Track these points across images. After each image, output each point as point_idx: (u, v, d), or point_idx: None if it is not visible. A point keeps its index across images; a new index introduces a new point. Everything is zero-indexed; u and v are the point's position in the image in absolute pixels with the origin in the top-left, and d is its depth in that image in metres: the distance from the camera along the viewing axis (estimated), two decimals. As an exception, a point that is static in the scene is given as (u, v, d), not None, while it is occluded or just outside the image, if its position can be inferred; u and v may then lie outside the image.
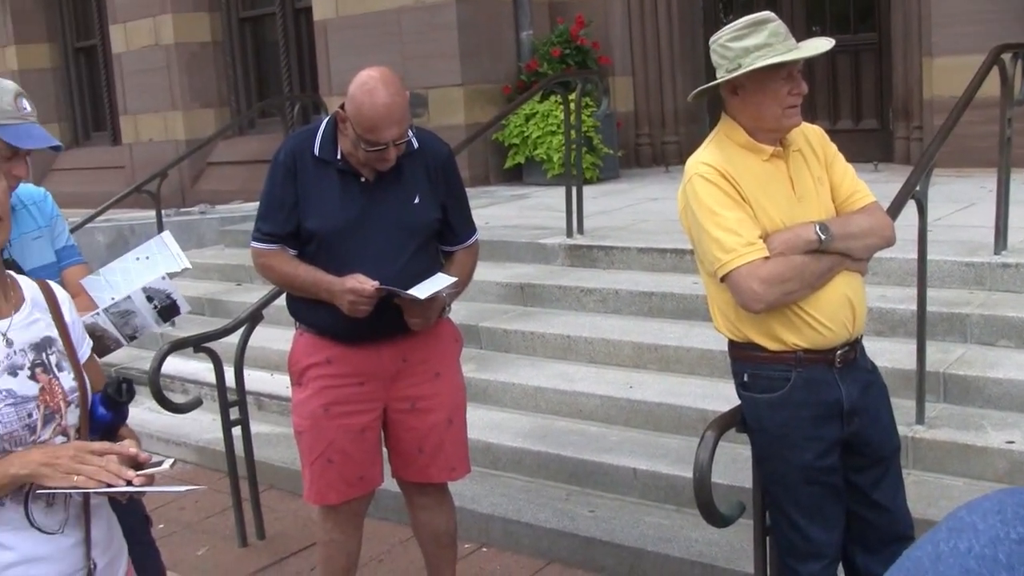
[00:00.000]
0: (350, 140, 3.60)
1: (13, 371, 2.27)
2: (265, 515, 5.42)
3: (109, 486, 2.15)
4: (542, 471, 5.30)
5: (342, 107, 3.64)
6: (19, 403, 2.25)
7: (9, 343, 2.30)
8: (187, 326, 7.84)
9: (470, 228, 3.92)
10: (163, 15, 13.19)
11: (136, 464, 2.21)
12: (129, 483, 2.15)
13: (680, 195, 3.34)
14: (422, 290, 3.58)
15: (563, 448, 5.30)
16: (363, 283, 3.53)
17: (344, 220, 3.63)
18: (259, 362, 6.69)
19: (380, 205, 3.67)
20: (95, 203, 9.92)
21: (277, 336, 6.66)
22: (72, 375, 2.37)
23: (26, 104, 3.20)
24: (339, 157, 3.66)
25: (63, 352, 2.39)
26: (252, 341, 5.36)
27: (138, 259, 3.62)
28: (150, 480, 2.21)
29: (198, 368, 6.83)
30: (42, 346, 2.35)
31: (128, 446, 2.29)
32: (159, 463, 2.28)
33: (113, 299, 3.46)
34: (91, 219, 9.10)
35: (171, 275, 3.55)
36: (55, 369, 2.34)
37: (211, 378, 6.00)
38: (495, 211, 8.40)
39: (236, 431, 5.28)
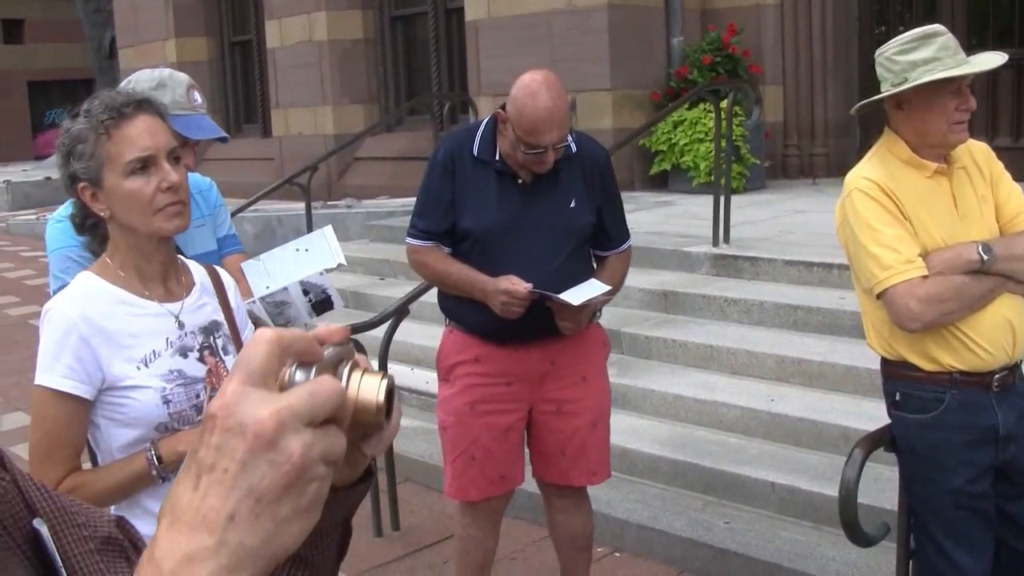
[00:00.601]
0: (509, 141, 3.62)
1: (184, 352, 2.36)
2: (400, 507, 5.49)
3: None
4: (678, 479, 5.27)
5: (503, 107, 3.66)
6: (188, 384, 2.33)
7: (181, 325, 2.38)
8: (331, 318, 8.00)
9: (624, 234, 3.92)
10: (317, 12, 13.45)
11: None
12: None
13: (838, 209, 3.29)
14: (575, 296, 3.58)
15: (701, 458, 5.26)
16: (516, 285, 3.55)
17: (500, 221, 3.66)
18: (400, 356, 6.77)
19: (536, 207, 3.68)
20: (244, 193, 10.17)
21: (419, 331, 6.75)
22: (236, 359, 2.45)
23: (197, 96, 3.30)
24: (497, 158, 3.69)
25: (228, 336, 2.47)
26: (395, 335, 5.43)
27: (297, 250, 3.70)
28: None
29: (340, 360, 6.93)
30: (210, 329, 2.43)
31: None
32: None
33: (269, 288, 3.54)
34: (242, 209, 9.33)
35: (327, 270, 3.62)
36: (221, 352, 2.42)
37: (353, 369, 6.12)
38: (639, 217, 8.35)
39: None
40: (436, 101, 11.67)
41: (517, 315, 3.59)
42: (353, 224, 10.38)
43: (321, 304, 3.60)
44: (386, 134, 13.04)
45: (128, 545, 1.24)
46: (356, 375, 0.88)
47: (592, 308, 3.72)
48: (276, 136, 14.36)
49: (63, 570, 1.13)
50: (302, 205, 10.01)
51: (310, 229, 9.24)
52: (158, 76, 3.33)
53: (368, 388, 0.87)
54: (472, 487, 3.89)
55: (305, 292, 3.55)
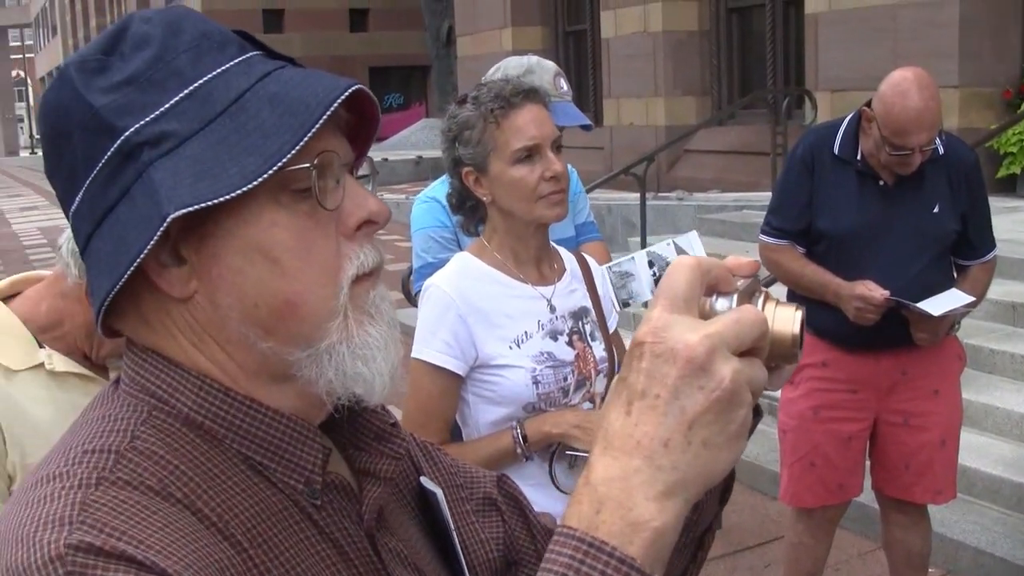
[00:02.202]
0: (873, 141, 3.50)
1: (554, 335, 2.41)
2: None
3: None
4: (1022, 505, 4.98)
5: (868, 105, 3.53)
6: (557, 366, 2.38)
7: (552, 308, 2.44)
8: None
9: (989, 242, 3.73)
10: (653, 3, 13.49)
11: None
12: None
13: None
14: (935, 306, 3.43)
15: (1049, 484, 4.96)
16: (873, 291, 3.44)
17: (858, 223, 3.55)
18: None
19: (898, 211, 3.55)
20: (576, 182, 10.32)
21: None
22: (603, 345, 2.49)
23: (563, 83, 3.36)
24: (859, 158, 3.57)
25: (596, 323, 2.51)
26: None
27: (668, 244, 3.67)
28: None
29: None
30: (579, 315, 2.48)
31: None
32: None
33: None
34: (576, 197, 9.47)
35: None
36: (589, 338, 2.46)
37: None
38: (984, 221, 7.93)
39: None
40: (771, 95, 11.46)
41: (871, 322, 3.47)
42: (683, 217, 10.36)
43: None
44: (717, 127, 12.94)
45: (504, 502, 1.31)
46: (770, 306, 0.88)
47: (951, 320, 3.55)
48: (607, 126, 14.50)
49: (454, 533, 1.19)
50: (630, 195, 10.08)
51: (644, 221, 9.30)
52: (527, 63, 3.41)
53: (783, 319, 0.87)
54: (808, 494, 3.81)
55: (650, 264, 3.53)
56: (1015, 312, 6.36)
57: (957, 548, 4.77)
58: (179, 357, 1.01)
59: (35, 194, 34.46)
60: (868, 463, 3.88)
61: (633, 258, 3.52)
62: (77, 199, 0.99)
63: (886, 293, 3.42)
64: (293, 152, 0.92)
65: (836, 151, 3.60)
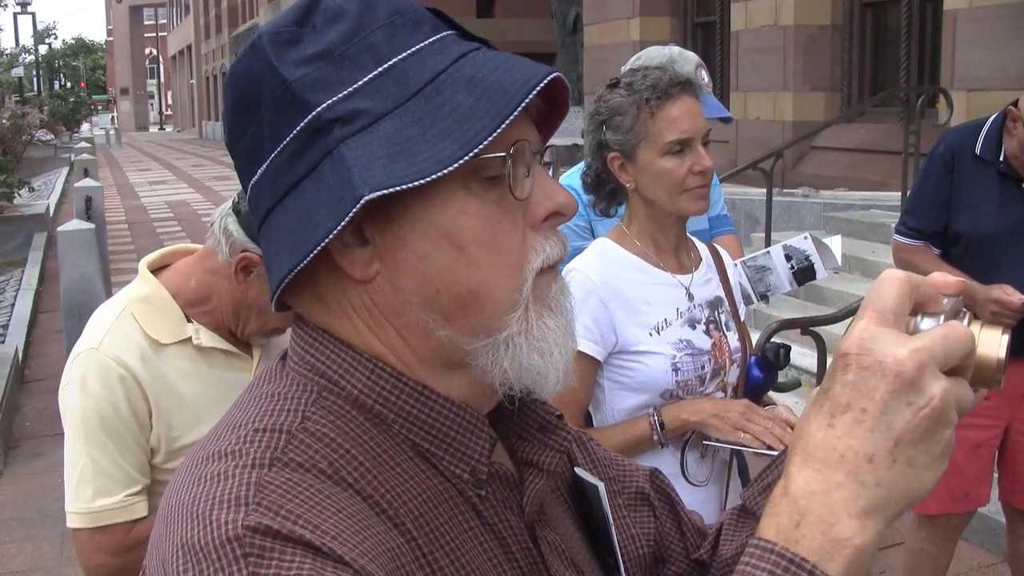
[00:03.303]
0: (1018, 141, 3.41)
1: (692, 324, 2.41)
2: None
3: (770, 448, 2.22)
4: None
5: (1015, 104, 3.45)
6: (696, 354, 2.38)
7: (691, 297, 2.44)
8: (781, 307, 7.94)
9: None
10: (787, -5, 13.31)
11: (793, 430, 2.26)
12: None
13: None
14: None
15: None
16: (1011, 295, 3.36)
17: (998, 226, 3.47)
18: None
19: None
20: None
21: (871, 330, 6.56)
22: (737, 335, 2.48)
23: (704, 75, 3.35)
24: (1002, 159, 3.49)
25: (730, 312, 2.50)
26: (844, 333, 5.31)
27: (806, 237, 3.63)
28: None
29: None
30: (715, 304, 2.47)
31: (786, 412, 2.35)
32: None
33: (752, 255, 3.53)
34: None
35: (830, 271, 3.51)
36: (724, 328, 2.46)
37: (802, 362, 6.06)
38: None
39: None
40: (904, 93, 11.23)
41: (1007, 327, 3.37)
42: (808, 214, 10.22)
43: (803, 272, 3.51)
44: (846, 124, 12.72)
45: (656, 497, 1.31)
46: (975, 327, 0.86)
47: None
48: (734, 119, 14.34)
49: (613, 528, 1.18)
50: (755, 190, 9.97)
51: (769, 217, 9.20)
52: (668, 53, 3.40)
53: (988, 342, 0.86)
54: (933, 501, 3.73)
55: (788, 258, 3.49)
56: None
57: (1084, 564, 4.64)
58: (352, 339, 1.00)
59: (163, 168, 35.38)
60: (996, 473, 3.79)
61: (769, 252, 3.48)
62: (260, 171, 0.99)
63: None
64: (490, 139, 0.91)
65: (978, 151, 3.52)
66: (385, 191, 0.90)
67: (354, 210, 0.91)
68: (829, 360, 4.33)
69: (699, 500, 2.40)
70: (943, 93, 10.61)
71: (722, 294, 2.54)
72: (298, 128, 0.95)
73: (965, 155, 3.55)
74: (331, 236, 0.92)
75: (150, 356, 2.24)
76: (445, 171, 0.90)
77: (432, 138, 0.92)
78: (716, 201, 3.66)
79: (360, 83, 0.95)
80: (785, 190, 11.14)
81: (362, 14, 0.98)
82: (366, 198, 0.90)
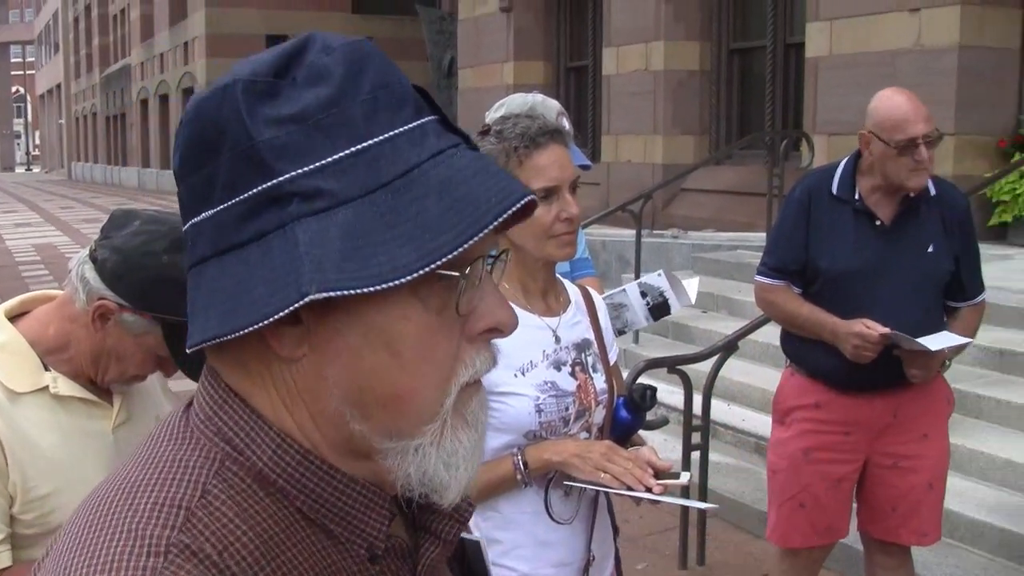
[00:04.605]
0: (875, 160, 3.55)
1: (558, 366, 2.44)
2: (707, 542, 5.47)
3: (630, 489, 2.26)
4: (1003, 550, 5.01)
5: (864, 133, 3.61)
6: (560, 396, 2.41)
7: (557, 339, 2.47)
8: (650, 346, 8.08)
9: (980, 286, 3.77)
10: (655, 41, 13.59)
11: (655, 471, 2.31)
12: (649, 490, 2.26)
13: None
14: (933, 342, 3.46)
15: (1031, 530, 4.99)
16: (871, 327, 3.47)
17: (856, 262, 3.58)
18: (717, 391, 6.74)
19: (894, 250, 3.59)
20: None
21: (738, 367, 6.71)
22: (603, 377, 2.52)
23: (566, 123, 3.40)
24: (857, 197, 3.62)
25: (598, 355, 2.54)
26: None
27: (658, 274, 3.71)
28: (665, 491, 2.30)
29: (658, 390, 6.92)
30: (582, 346, 2.51)
31: (649, 453, 2.39)
32: (676, 474, 2.35)
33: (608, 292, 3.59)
34: (572, 232, 9.52)
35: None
36: (591, 369, 2.49)
37: (670, 400, 6.16)
38: (976, 269, 7.97)
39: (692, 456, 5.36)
40: (769, 137, 11.55)
41: (869, 359, 3.49)
42: (678, 255, 10.41)
43: (658, 308, 3.59)
44: (715, 166, 13.03)
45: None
46: None
47: (943, 357, 3.59)
48: (605, 162, 14.57)
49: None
50: (625, 231, 10.13)
51: (639, 258, 9.34)
52: (531, 100, 3.45)
53: None
54: (796, 534, 3.83)
55: (643, 294, 3.56)
56: (1002, 358, 6.41)
57: (940, 591, 4.80)
58: (264, 409, 0.97)
59: (29, 210, 34.46)
60: (855, 504, 3.90)
61: (625, 290, 3.57)
62: (204, 215, 0.94)
63: (885, 330, 3.45)
64: (450, 257, 0.88)
65: (834, 191, 3.65)
66: (331, 294, 0.86)
67: (296, 305, 0.87)
68: (695, 398, 4.42)
69: (564, 538, 2.43)
70: (805, 137, 10.95)
71: (591, 336, 2.57)
72: (256, 190, 0.91)
73: (822, 195, 3.67)
74: (267, 323, 0.88)
75: (6, 405, 2.18)
76: (398, 282, 0.87)
77: (392, 240, 0.88)
78: (578, 244, 3.73)
79: (329, 160, 0.90)
80: (655, 231, 11.34)
81: (346, 81, 0.93)
82: (311, 297, 0.86)
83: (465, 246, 0.88)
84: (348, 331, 0.92)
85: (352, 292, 0.86)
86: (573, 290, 2.64)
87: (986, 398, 6.01)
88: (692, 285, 3.66)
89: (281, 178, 0.90)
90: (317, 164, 0.90)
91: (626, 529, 5.76)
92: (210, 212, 0.93)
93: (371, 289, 0.86)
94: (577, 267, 3.70)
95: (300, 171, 0.90)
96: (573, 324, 2.53)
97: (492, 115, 3.28)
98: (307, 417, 0.96)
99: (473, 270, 0.94)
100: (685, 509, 5.28)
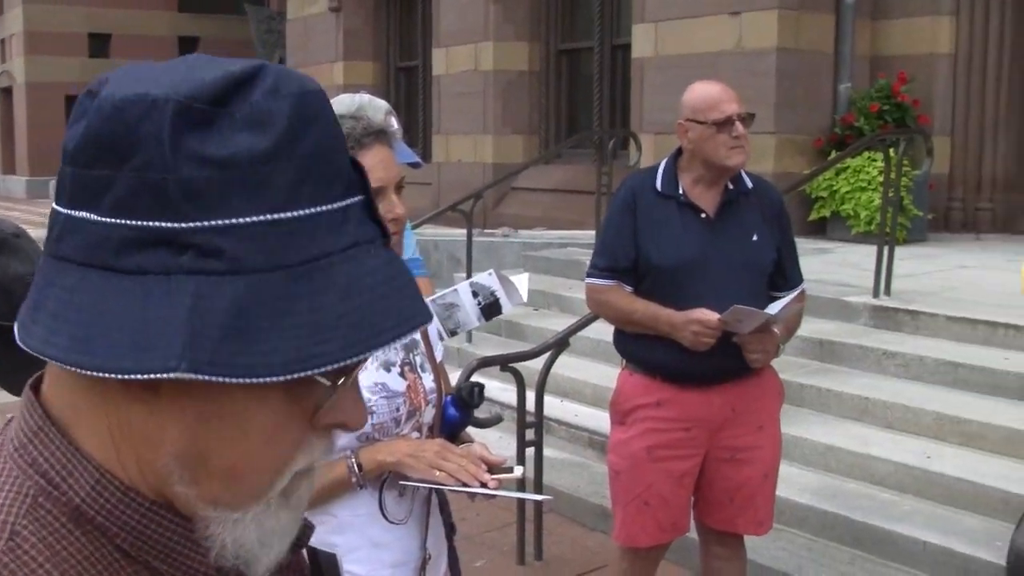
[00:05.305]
0: (694, 147, 3.65)
1: (387, 367, 2.44)
2: (544, 537, 5.52)
3: (465, 485, 2.27)
4: (826, 532, 5.21)
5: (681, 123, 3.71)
6: (391, 397, 2.41)
7: None
8: (484, 345, 8.11)
9: (799, 275, 3.89)
10: (485, 42, 13.67)
11: (488, 466, 2.33)
12: (483, 485, 2.27)
13: None
14: (773, 308, 3.56)
15: (851, 511, 5.19)
16: (708, 314, 3.53)
17: (684, 255, 3.65)
18: (549, 387, 6.81)
19: (721, 241, 3.67)
20: (405, 217, 10.36)
21: (569, 364, 6.79)
22: (432, 376, 2.53)
23: (394, 122, 3.41)
24: (681, 192, 3.70)
25: (425, 354, 2.55)
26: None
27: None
28: (500, 485, 2.32)
29: (491, 386, 6.90)
30: (410, 347, 2.51)
31: (481, 449, 2.41)
32: (510, 468, 2.37)
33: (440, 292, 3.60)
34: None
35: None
36: (419, 369, 2.50)
37: (504, 397, 6.21)
38: (796, 263, 8.23)
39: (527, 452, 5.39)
40: (598, 136, 11.74)
41: (707, 346, 3.55)
42: (509, 254, 10.49)
43: (491, 308, 3.60)
44: (544, 166, 13.17)
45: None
46: None
47: (777, 339, 3.68)
48: (436, 162, 14.59)
49: None
50: (457, 231, 10.15)
51: (470, 257, 9.37)
52: (358, 100, 3.44)
53: None
54: (643, 533, 3.85)
55: (475, 294, 3.58)
56: (822, 348, 6.65)
57: (767, 574, 4.95)
58: (87, 441, 0.90)
59: None
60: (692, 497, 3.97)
61: (456, 289, 3.57)
62: (82, 215, 0.85)
63: (719, 316, 3.51)
64: (331, 369, 0.83)
65: (658, 187, 3.72)
66: (197, 377, 0.80)
67: (158, 376, 0.80)
68: (528, 395, 4.44)
69: (399, 538, 2.44)
70: (632, 136, 11.16)
71: (417, 336, 2.58)
72: (152, 225, 0.82)
73: (646, 193, 3.73)
74: (117, 377, 0.81)
75: None
76: (269, 380, 0.81)
77: (278, 330, 0.81)
78: (408, 244, 3.73)
79: (242, 222, 0.82)
80: (486, 231, 11.41)
81: (286, 137, 0.84)
82: (176, 375, 0.80)
83: (349, 362, 0.83)
84: (204, 398, 0.85)
85: (221, 381, 0.80)
86: None
87: (808, 387, 6.22)
88: (522, 282, 3.68)
89: (184, 225, 0.81)
90: (227, 222, 0.82)
91: (464, 527, 5.77)
92: (91, 217, 0.84)
93: (240, 381, 0.80)
94: (409, 267, 3.70)
95: (207, 224, 0.81)
96: None
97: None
98: (134, 461, 0.89)
99: (347, 379, 0.90)
100: (522, 505, 5.32)
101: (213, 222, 0.81)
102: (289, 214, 0.83)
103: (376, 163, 2.33)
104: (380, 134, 2.39)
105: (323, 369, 0.82)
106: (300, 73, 0.89)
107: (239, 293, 0.81)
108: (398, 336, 0.85)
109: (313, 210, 0.84)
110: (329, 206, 0.86)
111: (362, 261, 0.87)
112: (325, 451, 0.95)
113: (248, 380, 0.80)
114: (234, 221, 0.82)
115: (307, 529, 1.04)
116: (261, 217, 0.82)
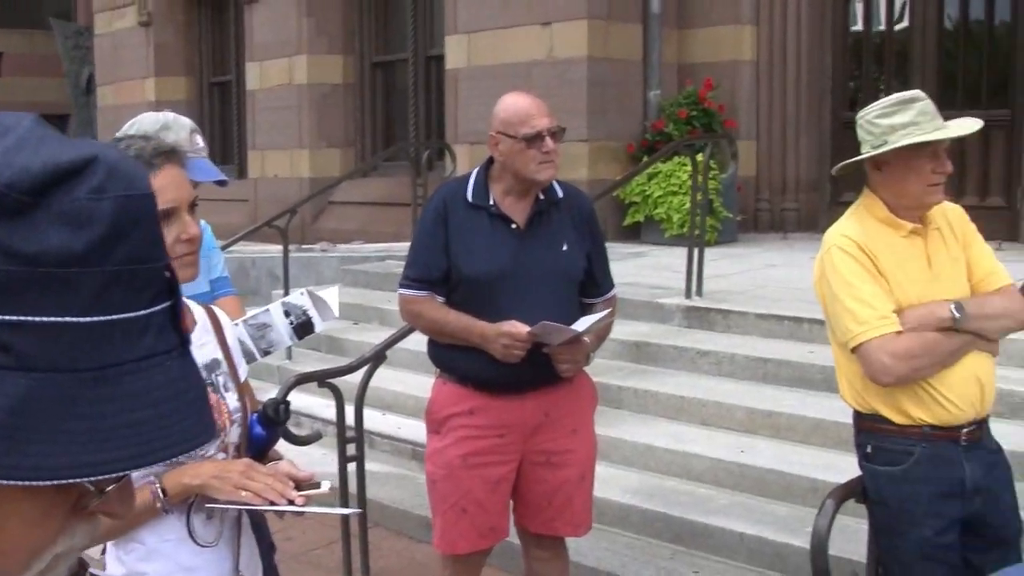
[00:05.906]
0: (505, 160, 3.67)
1: None
2: (371, 552, 5.48)
3: (272, 504, 2.24)
4: (648, 529, 5.31)
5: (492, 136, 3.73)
6: None
7: None
8: (304, 361, 8.01)
9: (610, 281, 3.98)
10: (298, 56, 13.54)
11: (296, 483, 2.30)
12: (291, 502, 2.24)
13: (816, 264, 3.36)
14: (579, 325, 3.61)
15: (670, 507, 5.30)
16: (518, 327, 3.56)
17: (495, 265, 3.68)
18: (372, 401, 6.75)
19: (531, 250, 3.71)
20: (218, 234, 10.18)
21: (391, 376, 6.77)
22: (236, 396, 2.49)
23: (199, 140, 3.36)
24: (492, 202, 3.72)
25: (228, 373, 2.51)
26: (368, 380, 5.46)
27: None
28: (309, 501, 2.29)
29: (312, 403, 6.88)
30: (211, 367, 2.47)
31: (288, 466, 2.38)
32: (317, 484, 2.35)
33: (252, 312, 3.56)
34: (223, 250, 9.35)
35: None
36: (222, 389, 2.46)
37: (326, 414, 6.15)
38: (612, 268, 8.29)
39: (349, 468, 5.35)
40: (413, 148, 11.75)
41: (518, 358, 3.58)
42: (327, 268, 10.41)
43: (303, 327, 3.58)
44: (361, 179, 13.11)
45: None
46: None
47: (587, 347, 3.75)
48: (252, 178, 14.38)
49: None
50: (276, 247, 10.02)
51: (287, 273, 9.27)
52: (163, 119, 3.39)
53: None
54: (462, 540, 3.87)
55: (287, 314, 3.55)
56: (638, 350, 6.78)
57: (592, 574, 5.02)
58: None
59: None
60: (511, 502, 3.99)
61: (268, 310, 3.54)
62: None
63: (528, 328, 3.55)
64: (103, 478, 0.83)
65: (469, 198, 3.74)
66: None
67: None
68: (348, 408, 4.40)
69: (210, 560, 2.39)
70: (447, 147, 11.21)
71: (220, 356, 2.54)
72: None
73: (457, 203, 3.74)
74: None
75: None
76: (39, 484, 0.79)
77: (53, 435, 0.79)
78: (216, 263, 3.69)
79: (38, 320, 0.79)
80: (304, 246, 11.30)
81: (103, 243, 0.81)
82: None
83: (120, 474, 0.83)
84: None
85: None
86: (199, 311, 2.59)
87: (625, 388, 6.34)
88: (332, 296, 3.67)
89: None
90: (22, 319, 0.78)
91: (289, 546, 5.72)
92: None
93: (8, 483, 0.78)
94: (217, 286, 3.66)
95: (1, 318, 0.78)
96: (200, 346, 2.49)
97: (124, 132, 3.20)
98: None
99: (116, 484, 0.88)
100: (346, 521, 5.27)
101: (8, 317, 0.78)
102: (89, 319, 0.80)
103: (167, 183, 2.30)
104: (170, 154, 2.36)
105: (92, 479, 0.81)
106: (133, 170, 0.85)
107: (22, 392, 0.78)
108: (172, 455, 0.83)
109: (114, 317, 0.82)
110: (131, 313, 0.83)
111: (151, 374, 0.84)
112: (88, 538, 0.91)
113: (18, 483, 0.78)
114: (30, 319, 0.78)
115: None
116: (58, 319, 0.79)
